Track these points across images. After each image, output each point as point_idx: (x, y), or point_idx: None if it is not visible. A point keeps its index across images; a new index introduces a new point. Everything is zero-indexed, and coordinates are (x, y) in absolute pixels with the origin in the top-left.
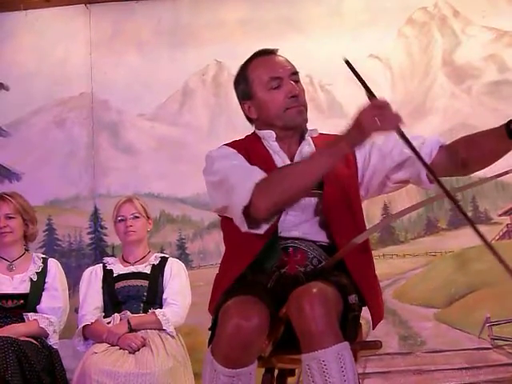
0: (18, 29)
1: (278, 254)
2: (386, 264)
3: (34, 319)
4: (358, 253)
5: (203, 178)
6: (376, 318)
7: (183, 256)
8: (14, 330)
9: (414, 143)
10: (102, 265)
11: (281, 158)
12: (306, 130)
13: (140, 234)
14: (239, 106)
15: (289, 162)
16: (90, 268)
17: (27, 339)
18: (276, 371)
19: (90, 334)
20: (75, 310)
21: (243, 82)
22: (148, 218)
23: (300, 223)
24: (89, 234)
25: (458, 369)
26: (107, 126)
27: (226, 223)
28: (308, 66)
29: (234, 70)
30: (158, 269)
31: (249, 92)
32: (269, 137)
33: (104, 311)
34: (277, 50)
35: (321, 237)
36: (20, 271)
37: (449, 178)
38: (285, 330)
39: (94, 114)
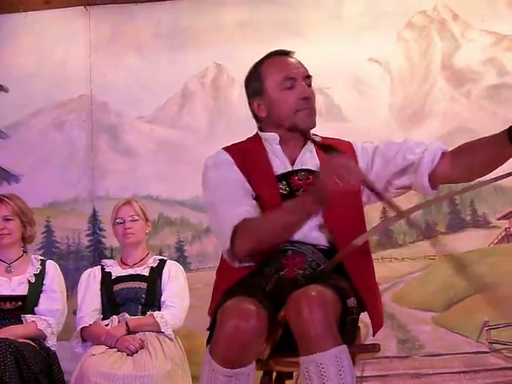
0: (17, 31)
1: (278, 257)
2: (384, 267)
3: (32, 321)
4: (358, 256)
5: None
6: (376, 324)
7: (181, 258)
8: (12, 332)
9: (417, 150)
10: (100, 267)
11: (281, 162)
12: (310, 135)
13: (138, 237)
14: (238, 109)
15: (289, 167)
16: (89, 270)
17: (25, 341)
18: (274, 374)
19: (88, 336)
20: (73, 312)
21: (256, 79)
22: (147, 220)
23: None
24: (87, 236)
25: (456, 372)
26: (106, 128)
27: None
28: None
29: (234, 73)
30: (157, 271)
31: (261, 89)
32: (272, 140)
33: (102, 313)
34: (293, 52)
35: (320, 240)
36: (18, 273)
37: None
38: (283, 332)
39: (94, 116)
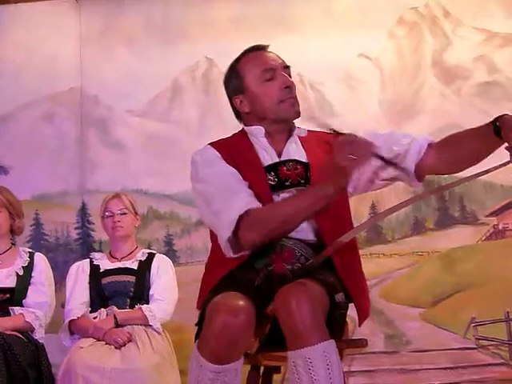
0: (7, 23)
1: (267, 252)
2: (372, 263)
3: (20, 313)
4: (345, 251)
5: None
6: (362, 316)
7: (170, 252)
8: (0, 324)
9: (403, 141)
10: (89, 260)
11: (269, 155)
12: (294, 127)
13: (127, 230)
14: (229, 104)
15: (277, 159)
16: (77, 263)
17: (13, 333)
18: (262, 368)
19: (76, 329)
20: (61, 304)
21: (235, 77)
22: (136, 213)
23: None
24: (76, 229)
25: (442, 368)
26: (96, 121)
27: None
28: (298, 64)
29: (225, 68)
30: (145, 265)
31: (241, 86)
32: (258, 132)
33: (90, 306)
34: (267, 46)
35: (308, 235)
36: (6, 265)
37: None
38: (271, 327)
39: (84, 110)
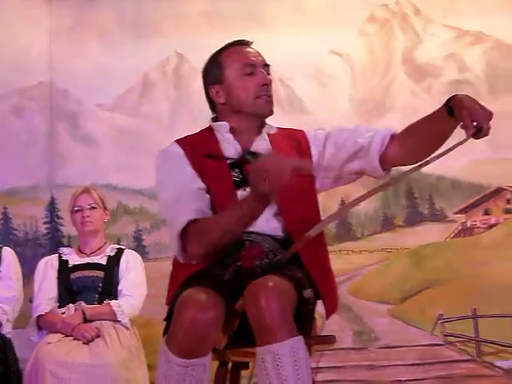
0: None
1: (235, 248)
2: (342, 260)
3: None
4: (313, 246)
5: None
6: (330, 310)
7: (140, 248)
8: None
9: (367, 134)
10: (57, 255)
11: (234, 150)
12: (265, 124)
13: (96, 225)
14: (200, 98)
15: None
16: (46, 258)
17: None
18: (230, 364)
19: (44, 324)
20: (29, 299)
21: (215, 67)
22: (105, 208)
23: None
24: (45, 223)
25: (410, 364)
26: (66, 115)
27: None
28: (270, 60)
29: (195, 63)
30: (114, 260)
31: (220, 76)
32: (222, 128)
33: (59, 302)
34: (251, 42)
35: (276, 230)
36: None
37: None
38: (240, 323)
39: (53, 104)
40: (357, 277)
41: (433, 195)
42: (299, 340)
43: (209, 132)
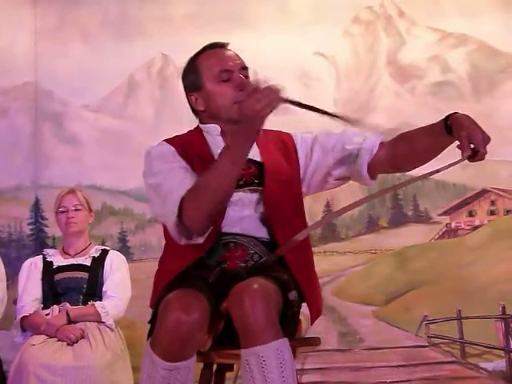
0: None
1: (220, 250)
2: (326, 261)
3: None
4: (299, 249)
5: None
6: (314, 314)
7: (124, 249)
8: None
9: (355, 140)
10: (42, 256)
11: None
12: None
13: (81, 226)
14: (185, 100)
15: None
16: (30, 259)
17: None
18: (215, 366)
19: (28, 326)
20: (14, 301)
21: (193, 73)
22: (90, 210)
23: (241, 219)
24: (29, 224)
25: (394, 366)
26: (51, 116)
27: None
28: (254, 61)
29: (180, 64)
30: (99, 261)
31: (198, 83)
32: (213, 131)
33: (43, 303)
34: (227, 43)
35: (262, 233)
36: None
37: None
38: (225, 325)
39: (38, 104)
40: (341, 278)
41: (417, 196)
42: (284, 342)
43: (198, 133)
